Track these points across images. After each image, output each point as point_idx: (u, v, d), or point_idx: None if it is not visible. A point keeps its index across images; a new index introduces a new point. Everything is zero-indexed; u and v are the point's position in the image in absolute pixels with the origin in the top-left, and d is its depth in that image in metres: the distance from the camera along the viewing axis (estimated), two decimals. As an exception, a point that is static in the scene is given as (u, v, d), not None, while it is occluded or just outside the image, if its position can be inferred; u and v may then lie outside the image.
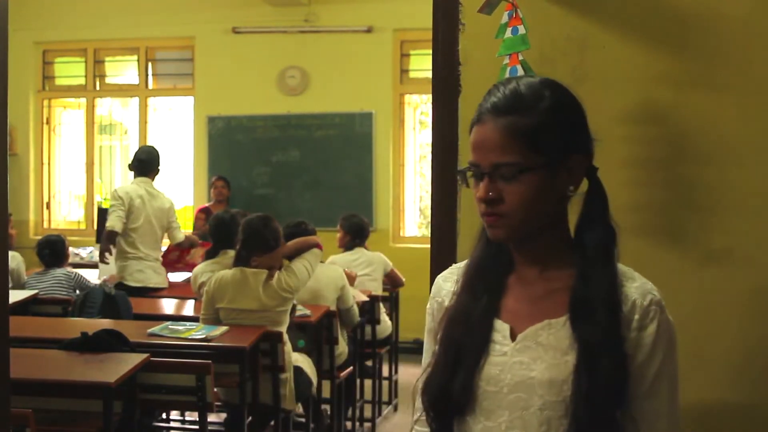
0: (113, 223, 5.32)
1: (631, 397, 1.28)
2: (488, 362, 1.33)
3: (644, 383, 1.29)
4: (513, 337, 1.33)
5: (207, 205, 7.35)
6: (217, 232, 4.93)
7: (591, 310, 1.28)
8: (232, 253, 4.80)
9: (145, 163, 5.58)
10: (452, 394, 1.34)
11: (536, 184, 1.28)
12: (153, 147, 5.90)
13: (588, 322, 1.28)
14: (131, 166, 5.67)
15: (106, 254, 5.40)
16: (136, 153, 5.77)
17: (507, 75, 1.78)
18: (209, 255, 4.92)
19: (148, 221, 5.42)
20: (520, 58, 1.77)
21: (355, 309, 4.76)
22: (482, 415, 1.33)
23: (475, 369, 1.33)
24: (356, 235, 5.45)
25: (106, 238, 5.41)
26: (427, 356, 1.45)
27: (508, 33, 1.79)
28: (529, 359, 1.30)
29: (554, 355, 1.29)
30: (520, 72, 1.76)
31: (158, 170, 5.66)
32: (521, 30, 1.77)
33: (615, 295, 1.29)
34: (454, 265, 1.49)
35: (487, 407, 1.32)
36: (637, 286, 1.31)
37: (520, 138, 1.27)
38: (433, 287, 1.50)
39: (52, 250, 5.16)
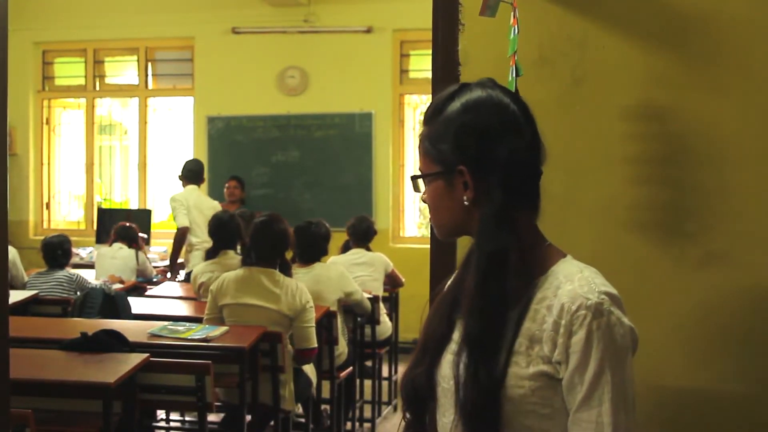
0: (182, 221, 6.33)
1: (568, 408, 1.24)
2: (444, 359, 1.35)
3: (578, 392, 1.22)
4: None
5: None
6: (217, 232, 4.93)
7: (470, 314, 1.29)
8: (231, 253, 4.82)
9: (194, 173, 6.60)
10: (417, 384, 1.39)
11: (437, 192, 1.34)
12: (199, 160, 6.95)
13: (466, 325, 1.30)
14: (181, 177, 6.61)
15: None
16: (186, 164, 6.70)
17: (510, 75, 1.78)
18: (209, 255, 4.92)
19: (202, 215, 6.28)
20: (516, 58, 1.78)
21: (365, 299, 4.82)
22: (440, 411, 1.37)
23: (434, 363, 1.36)
24: (351, 235, 5.50)
25: (180, 236, 6.36)
26: None
27: (513, 33, 1.79)
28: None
29: None
30: (514, 72, 1.77)
31: (204, 180, 6.74)
32: (517, 30, 1.77)
33: (495, 303, 1.27)
34: None
35: (443, 404, 1.35)
36: (570, 290, 1.25)
37: (423, 147, 1.36)
38: None
39: (64, 251, 5.18)
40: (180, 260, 6.58)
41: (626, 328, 1.24)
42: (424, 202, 1.38)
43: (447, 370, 1.33)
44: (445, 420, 1.34)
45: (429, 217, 1.38)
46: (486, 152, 1.29)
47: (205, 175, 7.76)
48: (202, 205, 6.51)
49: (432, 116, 1.35)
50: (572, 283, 1.25)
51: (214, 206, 6.49)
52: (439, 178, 1.33)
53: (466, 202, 1.31)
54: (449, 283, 1.45)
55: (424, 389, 1.37)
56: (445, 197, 1.33)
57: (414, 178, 1.38)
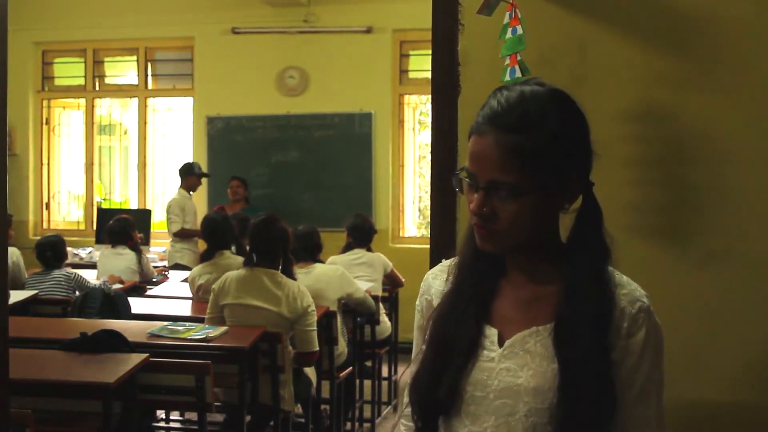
0: None
1: (620, 404, 1.27)
2: (476, 367, 1.31)
3: (633, 389, 1.29)
4: (501, 342, 1.32)
5: (220, 205, 7.35)
6: (209, 233, 4.93)
7: (574, 329, 1.26)
8: (227, 253, 4.82)
9: (180, 173, 7.24)
10: (438, 394, 1.33)
11: (531, 205, 1.25)
12: (188, 162, 7.39)
13: (569, 341, 1.26)
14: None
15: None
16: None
17: (507, 76, 1.78)
18: (205, 257, 4.91)
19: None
20: (518, 58, 1.77)
21: (368, 297, 4.84)
22: (468, 419, 1.32)
23: (462, 372, 1.32)
24: (351, 235, 5.48)
25: None
26: (416, 352, 1.44)
27: (509, 34, 1.79)
28: (516, 366, 1.29)
29: (540, 363, 1.28)
30: (518, 73, 1.76)
31: (187, 180, 7.16)
32: (519, 30, 1.77)
33: (604, 313, 1.27)
34: (443, 262, 1.46)
35: (474, 412, 1.31)
36: (626, 294, 1.30)
37: (521, 160, 1.22)
38: (422, 284, 1.48)
39: (54, 251, 5.17)
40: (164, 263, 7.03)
41: (660, 328, 1.32)
42: (487, 213, 1.25)
43: (481, 377, 1.30)
44: (475, 428, 1.31)
45: (491, 227, 1.26)
46: (590, 159, 1.30)
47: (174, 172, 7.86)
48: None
49: (521, 124, 1.23)
50: (623, 288, 1.31)
51: (167, 205, 7.13)
52: (539, 192, 1.24)
53: (564, 211, 1.30)
54: (457, 281, 1.38)
55: (448, 399, 1.32)
56: (540, 208, 1.26)
57: (512, 191, 1.23)
